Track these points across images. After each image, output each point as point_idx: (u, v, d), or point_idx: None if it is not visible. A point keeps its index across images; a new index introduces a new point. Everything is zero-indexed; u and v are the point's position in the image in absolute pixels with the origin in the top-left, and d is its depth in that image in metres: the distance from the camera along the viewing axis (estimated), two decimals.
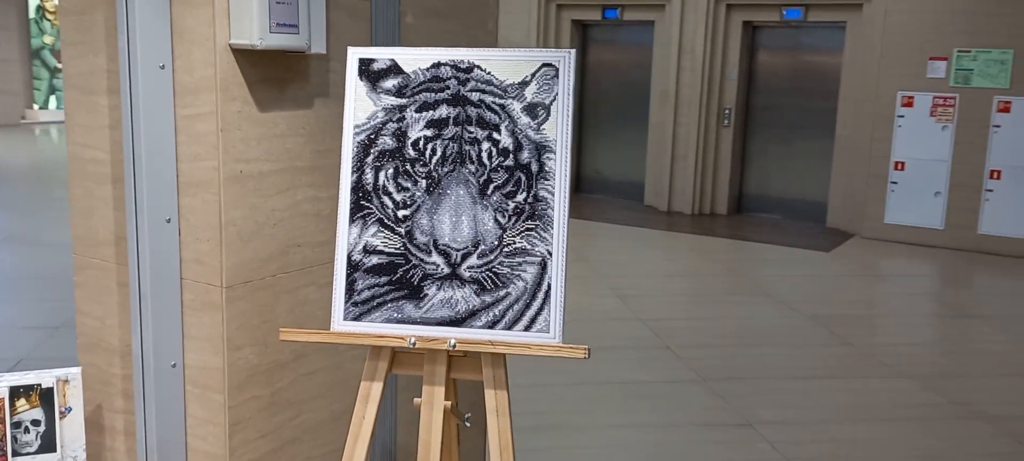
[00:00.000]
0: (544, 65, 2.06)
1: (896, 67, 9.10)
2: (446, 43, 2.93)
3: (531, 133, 2.05)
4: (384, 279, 2.08)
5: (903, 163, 9.16)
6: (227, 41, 2.28)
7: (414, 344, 2.04)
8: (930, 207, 9.07)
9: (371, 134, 2.11)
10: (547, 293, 2.02)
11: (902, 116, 9.10)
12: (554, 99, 2.06)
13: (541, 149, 2.05)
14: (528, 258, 2.04)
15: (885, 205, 9.29)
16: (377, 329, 2.07)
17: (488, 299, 2.04)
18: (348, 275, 2.09)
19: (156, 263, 2.38)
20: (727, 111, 10.54)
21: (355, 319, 2.08)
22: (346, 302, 2.08)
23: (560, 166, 2.04)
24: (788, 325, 6.32)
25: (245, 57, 2.32)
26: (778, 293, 7.16)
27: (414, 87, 2.10)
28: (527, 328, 2.03)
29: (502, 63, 2.07)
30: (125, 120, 2.34)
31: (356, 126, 2.11)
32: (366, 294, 2.08)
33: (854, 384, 5.20)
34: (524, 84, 2.07)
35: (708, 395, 4.91)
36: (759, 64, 10.67)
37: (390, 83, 2.11)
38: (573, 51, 2.07)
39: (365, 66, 2.13)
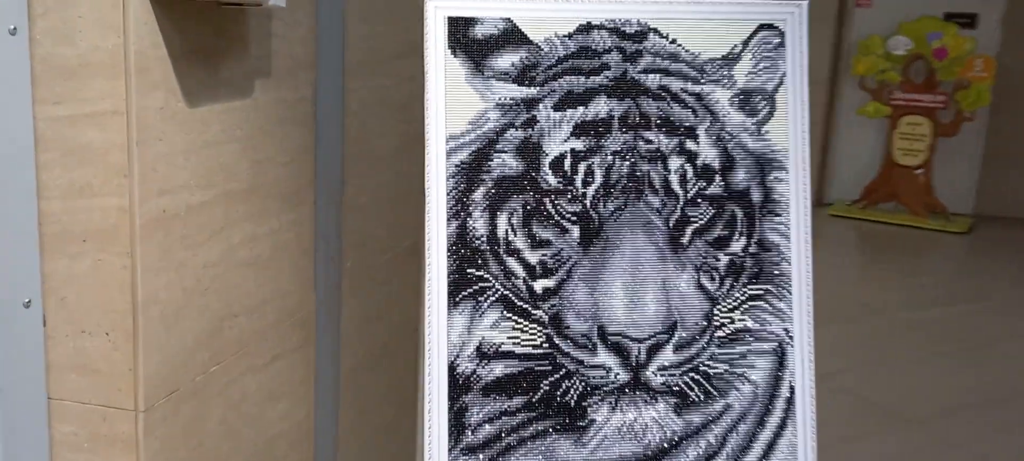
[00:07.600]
0: (762, 26, 1.25)
1: None
2: None
3: (747, 139, 1.25)
4: (518, 402, 1.20)
5: None
6: None
7: None
8: None
9: (480, 148, 1.20)
10: (789, 400, 1.26)
11: None
12: (780, 83, 1.26)
13: (765, 165, 1.25)
14: (755, 346, 1.25)
15: None
16: None
17: (696, 419, 1.24)
18: (453, 399, 1.19)
19: (14, 378, 1.36)
20: None
21: None
22: (453, 447, 1.19)
23: (797, 192, 1.26)
24: None
25: (167, 14, 1.33)
26: None
27: (548, 67, 1.21)
28: (763, 458, 1.26)
29: (695, 24, 1.23)
30: None
31: (452, 137, 1.19)
32: (488, 430, 1.20)
33: None
34: (731, 59, 1.25)
35: None
36: None
37: (507, 60, 1.20)
38: (805, 3, 1.28)
39: (459, 31, 1.19)
